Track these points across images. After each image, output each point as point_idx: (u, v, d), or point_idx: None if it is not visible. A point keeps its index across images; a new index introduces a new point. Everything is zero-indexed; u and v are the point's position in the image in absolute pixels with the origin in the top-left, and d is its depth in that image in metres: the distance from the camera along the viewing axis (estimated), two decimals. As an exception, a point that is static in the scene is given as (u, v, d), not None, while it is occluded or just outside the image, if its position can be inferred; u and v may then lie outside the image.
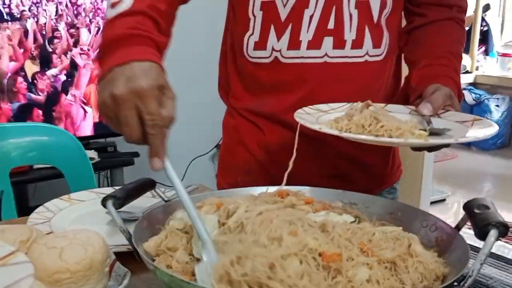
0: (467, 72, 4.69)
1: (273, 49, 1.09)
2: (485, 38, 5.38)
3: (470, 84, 4.87)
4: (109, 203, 0.83)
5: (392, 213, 0.88)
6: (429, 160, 3.15)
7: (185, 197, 0.77)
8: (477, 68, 5.11)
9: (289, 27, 1.07)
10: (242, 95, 1.19)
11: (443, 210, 3.77)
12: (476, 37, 4.75)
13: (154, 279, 0.76)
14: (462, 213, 0.80)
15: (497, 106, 5.26)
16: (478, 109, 5.10)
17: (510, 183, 4.54)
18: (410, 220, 0.85)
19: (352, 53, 1.08)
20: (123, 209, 0.89)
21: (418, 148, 1.01)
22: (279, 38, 1.08)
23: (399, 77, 1.23)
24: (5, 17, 2.24)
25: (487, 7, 5.31)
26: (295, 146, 0.89)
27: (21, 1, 2.27)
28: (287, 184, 0.92)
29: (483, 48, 5.43)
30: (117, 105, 0.75)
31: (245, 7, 1.10)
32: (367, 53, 1.10)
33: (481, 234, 0.69)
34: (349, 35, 1.07)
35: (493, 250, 0.86)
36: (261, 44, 1.10)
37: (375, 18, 1.09)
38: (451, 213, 3.79)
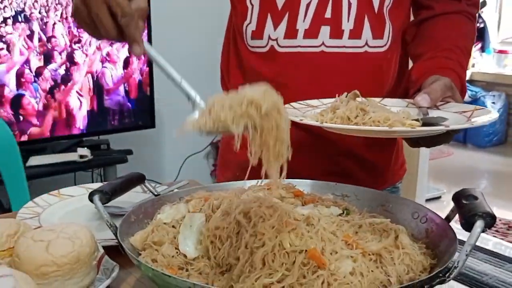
0: (463, 69, 4.69)
1: (269, 38, 1.08)
2: (482, 34, 5.38)
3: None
4: (96, 197, 0.83)
5: (383, 205, 0.88)
6: (425, 158, 3.15)
7: (171, 69, 0.80)
8: (473, 65, 5.11)
9: (286, 15, 1.06)
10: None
11: (439, 207, 3.77)
12: (472, 34, 4.74)
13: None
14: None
15: (493, 103, 5.26)
16: (474, 106, 5.10)
17: (506, 180, 4.54)
18: (401, 212, 0.85)
19: (350, 43, 1.06)
20: (113, 204, 0.89)
21: (416, 143, 0.95)
22: (275, 27, 1.07)
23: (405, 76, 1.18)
24: (19, 18, 2.48)
25: (483, 4, 5.31)
26: None
27: (33, 5, 2.48)
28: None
29: (479, 45, 5.44)
30: (87, 6, 0.79)
31: None
32: (366, 44, 1.06)
33: (468, 225, 0.67)
34: (347, 25, 1.05)
35: (489, 247, 0.86)
36: (258, 33, 1.09)
37: (376, 8, 1.06)
38: (446, 211, 3.68)
